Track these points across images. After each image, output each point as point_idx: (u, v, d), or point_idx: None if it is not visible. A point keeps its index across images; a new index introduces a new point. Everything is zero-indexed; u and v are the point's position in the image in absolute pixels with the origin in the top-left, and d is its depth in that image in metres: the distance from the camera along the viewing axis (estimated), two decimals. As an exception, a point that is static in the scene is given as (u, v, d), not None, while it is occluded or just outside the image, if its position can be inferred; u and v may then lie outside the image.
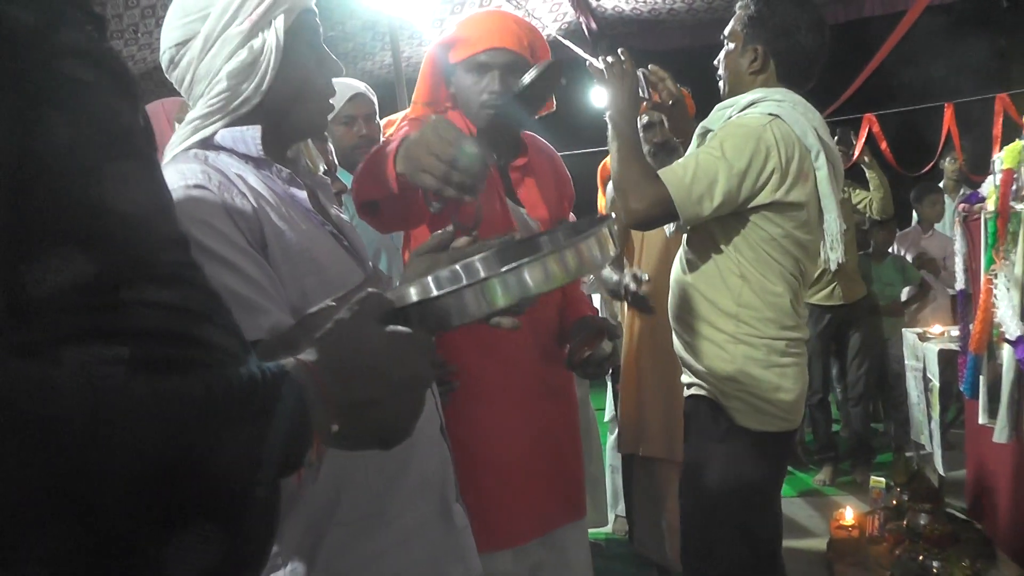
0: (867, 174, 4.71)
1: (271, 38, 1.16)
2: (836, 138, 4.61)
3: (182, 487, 0.60)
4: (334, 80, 1.29)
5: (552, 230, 1.19)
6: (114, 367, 0.63)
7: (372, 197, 1.44)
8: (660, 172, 1.87)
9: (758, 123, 1.85)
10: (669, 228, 2.07)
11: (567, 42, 3.67)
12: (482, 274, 0.96)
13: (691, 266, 2.01)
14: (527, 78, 1.49)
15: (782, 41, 1.93)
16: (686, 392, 2.06)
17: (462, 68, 1.82)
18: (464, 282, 0.79)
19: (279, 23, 1.16)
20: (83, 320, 0.63)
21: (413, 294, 0.99)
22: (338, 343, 0.74)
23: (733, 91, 2.01)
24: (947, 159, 5.81)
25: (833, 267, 1.96)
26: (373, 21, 4.07)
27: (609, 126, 1.97)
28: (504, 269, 0.77)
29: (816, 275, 4.65)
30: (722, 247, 1.93)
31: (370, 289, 0.80)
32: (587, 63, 1.99)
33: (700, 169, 1.83)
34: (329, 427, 0.69)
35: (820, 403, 4.73)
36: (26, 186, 0.60)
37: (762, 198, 1.84)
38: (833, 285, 4.59)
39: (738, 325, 1.92)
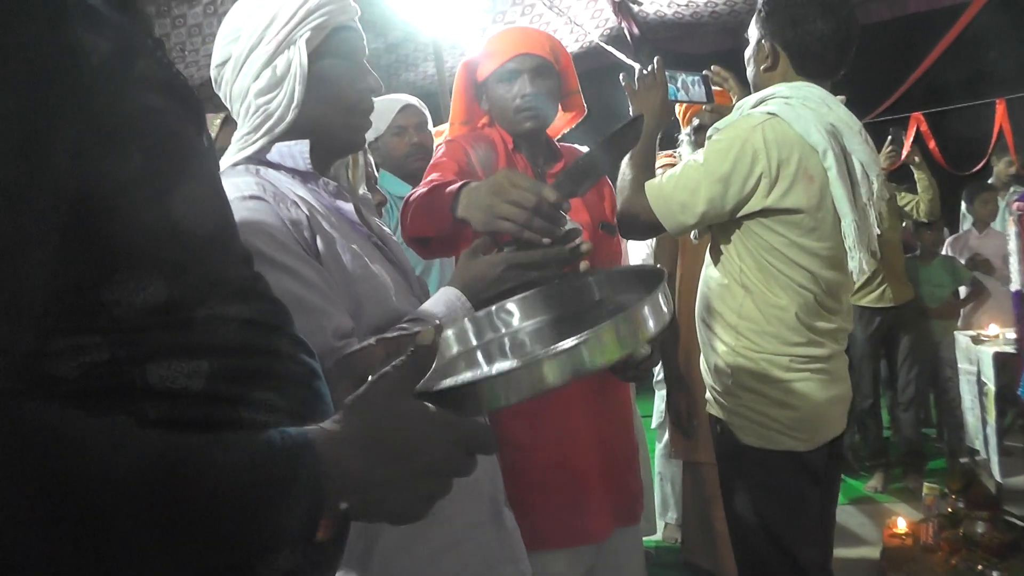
0: (915, 175, 4.63)
1: (295, 57, 1.19)
2: (889, 137, 4.54)
3: (183, 551, 0.59)
4: (384, 97, 1.32)
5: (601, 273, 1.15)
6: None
7: (425, 234, 1.46)
8: (647, 182, 1.83)
9: (748, 125, 1.75)
10: (694, 234, 2.03)
11: (610, 48, 3.67)
12: (509, 356, 0.93)
13: (708, 275, 1.94)
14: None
15: (789, 32, 1.82)
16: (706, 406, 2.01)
17: (492, 80, 1.88)
18: (506, 366, 0.74)
19: (303, 43, 1.19)
20: (163, 337, 0.66)
21: (459, 370, 0.95)
22: (366, 416, 0.69)
23: (757, 90, 1.91)
24: (1002, 159, 5.68)
25: (856, 277, 1.78)
26: (415, 33, 4.11)
27: None
28: (553, 351, 0.71)
29: (867, 277, 4.58)
30: (728, 256, 1.85)
31: (413, 352, 0.74)
32: (621, 77, 1.98)
33: (682, 178, 1.77)
34: (339, 504, 0.66)
35: (871, 408, 4.66)
36: (104, 211, 0.62)
37: (752, 205, 1.74)
38: (883, 287, 4.52)
39: (737, 338, 1.84)
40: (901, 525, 3.22)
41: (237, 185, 1.15)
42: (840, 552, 3.52)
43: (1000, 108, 5.98)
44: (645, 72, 1.96)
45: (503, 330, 1.04)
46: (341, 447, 0.66)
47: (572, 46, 4.79)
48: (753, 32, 1.90)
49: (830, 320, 1.83)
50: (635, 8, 4.19)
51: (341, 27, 1.23)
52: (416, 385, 0.72)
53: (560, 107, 2.01)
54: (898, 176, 4.83)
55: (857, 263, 1.75)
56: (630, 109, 1.93)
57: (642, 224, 1.81)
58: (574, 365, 0.71)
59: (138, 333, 0.65)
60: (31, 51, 0.56)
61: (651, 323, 0.77)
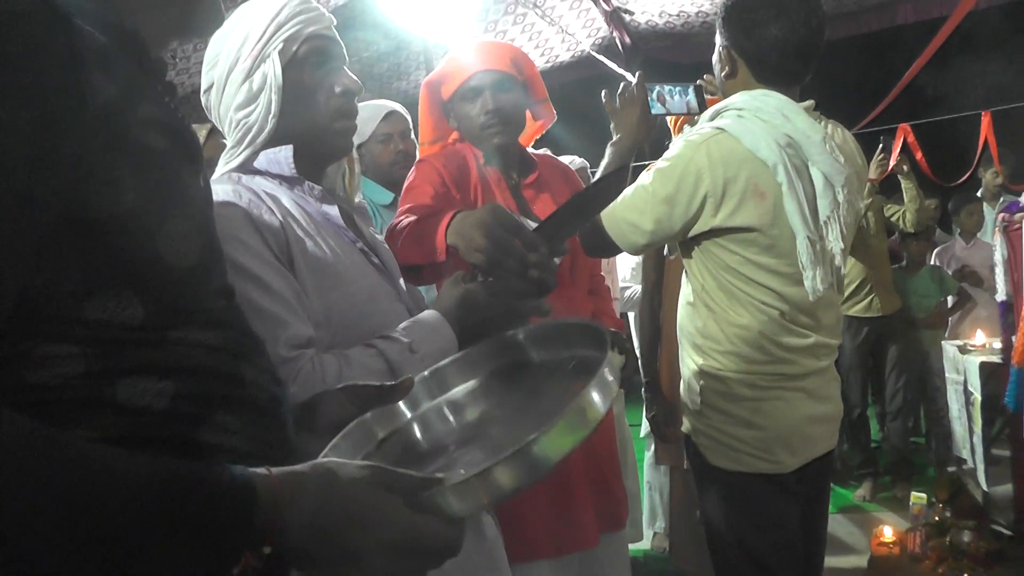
0: (903, 184, 4.67)
1: (269, 70, 1.23)
2: (880, 146, 4.58)
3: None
4: (368, 103, 1.34)
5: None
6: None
7: (416, 263, 1.48)
8: None
9: (694, 142, 1.68)
10: (667, 249, 2.01)
11: (601, 57, 3.69)
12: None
13: (682, 292, 1.89)
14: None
15: (744, 39, 1.73)
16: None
17: (456, 99, 1.92)
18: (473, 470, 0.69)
19: (276, 55, 1.23)
20: (135, 355, 0.70)
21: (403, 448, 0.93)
22: (325, 482, 0.69)
23: (725, 98, 1.82)
24: (988, 170, 5.73)
25: (812, 296, 1.66)
26: (407, 41, 4.12)
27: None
28: (504, 456, 0.68)
29: (855, 286, 4.62)
30: (692, 275, 1.79)
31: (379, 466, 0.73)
32: (602, 95, 1.98)
33: (632, 198, 1.72)
34: (261, 547, 0.67)
35: (859, 417, 4.68)
36: (97, 235, 0.67)
37: (701, 225, 1.67)
38: (871, 297, 4.55)
39: (704, 357, 1.77)
40: (888, 534, 3.24)
41: (215, 193, 1.16)
42: (828, 560, 3.52)
43: (985, 120, 6.03)
44: (624, 88, 1.95)
45: (439, 396, 1.01)
46: (277, 499, 0.66)
47: (564, 55, 4.81)
48: (717, 39, 1.83)
49: (804, 337, 1.73)
50: (627, 18, 4.21)
51: (315, 35, 1.26)
52: (402, 490, 0.70)
53: (530, 115, 2.04)
54: (885, 187, 4.87)
55: (811, 282, 1.65)
56: (611, 126, 1.93)
57: (600, 243, 1.77)
58: (530, 466, 0.68)
59: (113, 349, 0.69)
60: (42, 85, 0.62)
61: (599, 404, 0.73)
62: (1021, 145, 5.39)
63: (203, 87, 1.30)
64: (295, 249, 1.18)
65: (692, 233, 1.69)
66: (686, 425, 1.84)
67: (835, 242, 1.66)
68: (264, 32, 1.23)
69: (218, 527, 0.64)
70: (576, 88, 4.95)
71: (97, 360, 0.68)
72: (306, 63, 1.26)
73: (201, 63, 1.31)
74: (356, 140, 2.49)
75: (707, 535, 1.86)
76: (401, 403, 0.98)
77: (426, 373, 1.02)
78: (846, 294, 4.63)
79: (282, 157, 1.26)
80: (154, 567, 0.62)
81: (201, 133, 2.04)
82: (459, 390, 1.03)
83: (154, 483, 0.62)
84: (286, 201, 1.24)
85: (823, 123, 1.75)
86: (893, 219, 4.77)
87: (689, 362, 1.81)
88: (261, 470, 0.68)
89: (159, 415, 0.70)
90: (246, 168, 1.28)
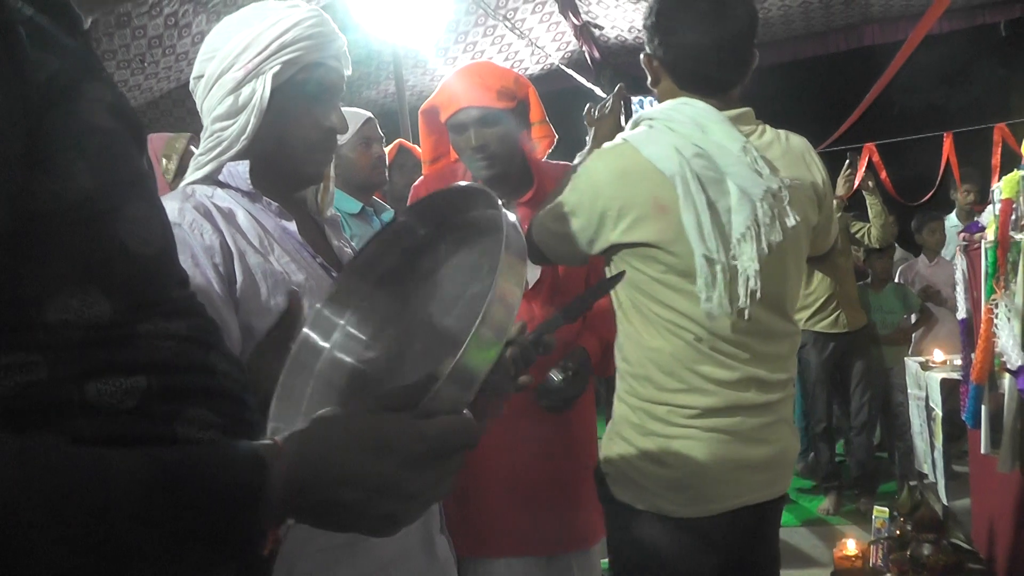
0: (867, 200, 4.74)
1: (259, 90, 1.19)
2: (847, 162, 4.64)
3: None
4: (344, 110, 1.31)
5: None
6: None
7: None
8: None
9: (599, 154, 1.61)
10: None
11: (570, 71, 3.71)
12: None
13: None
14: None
15: (660, 45, 1.61)
16: None
17: (448, 127, 1.94)
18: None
19: (270, 76, 1.18)
20: (103, 354, 0.66)
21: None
22: (322, 435, 0.68)
23: None
24: (961, 189, 5.82)
25: (714, 323, 1.51)
26: (378, 50, 4.12)
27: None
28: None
29: (821, 302, 4.67)
30: (614, 293, 1.64)
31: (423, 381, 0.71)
32: (586, 108, 1.95)
33: (551, 209, 1.63)
34: (285, 521, 0.66)
35: (823, 431, 4.74)
36: (50, 226, 0.62)
37: (603, 241, 1.56)
38: (837, 313, 4.61)
39: (621, 380, 1.64)
40: (851, 547, 3.25)
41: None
42: (792, 573, 3.57)
43: (947, 141, 6.15)
44: (604, 100, 1.94)
45: (342, 320, 1.00)
46: (290, 463, 0.65)
47: (533, 68, 4.83)
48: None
49: (728, 368, 1.54)
50: (596, 32, 4.25)
51: (317, 64, 1.22)
52: (398, 405, 0.69)
53: (532, 135, 2.04)
54: (850, 204, 4.93)
55: (709, 304, 1.49)
56: (588, 137, 1.91)
57: (536, 253, 1.67)
58: (498, 326, 0.68)
59: (79, 350, 0.64)
60: None
61: (518, 241, 0.74)
62: (982, 166, 5.49)
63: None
64: (241, 267, 1.15)
65: (596, 249, 1.59)
66: (600, 451, 1.68)
67: (749, 263, 1.49)
68: (267, 48, 1.18)
69: (238, 512, 0.61)
70: (545, 101, 4.96)
71: (62, 364, 0.63)
72: (298, 91, 1.22)
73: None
74: None
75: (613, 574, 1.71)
76: (312, 336, 0.97)
77: (318, 304, 1.00)
78: (813, 310, 4.68)
79: (239, 171, 1.23)
80: (182, 567, 0.60)
81: (180, 141, 2.00)
82: (362, 303, 1.00)
83: (164, 484, 0.59)
84: (241, 216, 1.21)
85: (761, 130, 1.63)
86: (858, 235, 4.83)
87: (617, 387, 1.68)
88: (267, 441, 0.66)
89: (131, 413, 0.66)
90: (210, 179, 1.25)
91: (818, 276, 4.65)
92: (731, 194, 1.51)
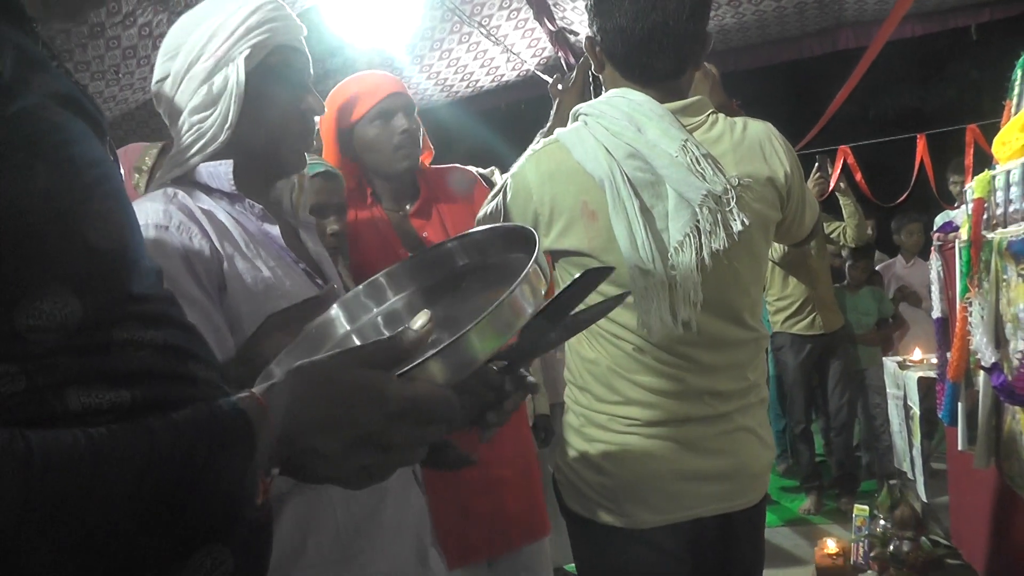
0: (841, 201, 4.79)
1: (232, 75, 1.17)
2: (816, 164, 4.68)
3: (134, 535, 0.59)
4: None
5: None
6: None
7: None
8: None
9: (530, 155, 1.52)
10: None
11: (546, 77, 3.72)
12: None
13: None
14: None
15: (600, 30, 1.48)
16: None
17: (365, 121, 1.91)
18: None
19: (242, 60, 1.17)
20: (82, 362, 0.65)
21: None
22: (303, 382, 0.68)
23: None
24: (950, 180, 5.84)
25: (652, 337, 1.41)
26: (353, 59, 4.11)
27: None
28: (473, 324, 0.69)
29: (797, 305, 4.71)
30: None
31: (398, 333, 0.72)
32: (552, 80, 1.94)
33: (492, 208, 1.56)
34: (271, 470, 0.66)
35: (803, 432, 4.77)
36: (11, 230, 0.60)
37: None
38: (814, 315, 4.65)
39: (568, 389, 1.58)
40: (832, 545, 3.28)
41: (145, 211, 1.12)
42: (775, 572, 3.58)
43: (921, 143, 6.22)
44: (570, 73, 1.90)
45: (375, 308, 1.02)
46: (271, 413, 0.66)
47: (509, 74, 4.84)
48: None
49: (672, 380, 1.44)
50: (572, 38, 4.26)
51: (284, 46, 1.21)
52: (380, 362, 0.70)
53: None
54: (825, 206, 4.96)
55: (645, 316, 1.39)
56: (552, 109, 1.84)
57: None
58: (502, 326, 0.72)
59: (56, 358, 0.63)
60: None
61: (541, 281, 0.78)
62: (953, 163, 5.55)
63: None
64: (229, 273, 1.13)
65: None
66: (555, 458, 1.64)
67: (689, 273, 1.37)
68: (233, 33, 1.16)
69: (229, 464, 0.62)
70: (521, 107, 4.99)
71: (40, 374, 0.62)
72: (272, 75, 1.20)
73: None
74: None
75: None
76: (340, 317, 0.98)
77: (360, 287, 1.02)
78: (789, 312, 4.72)
79: (222, 172, 1.20)
80: (178, 523, 0.61)
81: (152, 152, 1.98)
82: (395, 301, 1.03)
83: (163, 455, 0.60)
84: (224, 219, 1.18)
85: (711, 122, 1.49)
86: (833, 235, 4.87)
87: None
88: (244, 393, 0.67)
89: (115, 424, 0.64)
90: (187, 179, 1.22)
91: (792, 280, 4.69)
92: (669, 198, 1.40)
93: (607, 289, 1.33)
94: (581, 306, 1.01)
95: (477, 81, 4.88)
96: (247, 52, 1.17)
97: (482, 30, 4.04)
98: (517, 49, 4.45)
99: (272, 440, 0.65)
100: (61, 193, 0.64)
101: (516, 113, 5.01)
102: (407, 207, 1.98)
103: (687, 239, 1.38)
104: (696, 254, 1.38)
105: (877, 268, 5.44)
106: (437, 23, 4.10)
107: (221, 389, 0.78)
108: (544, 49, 4.46)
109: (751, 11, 4.55)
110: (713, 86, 1.71)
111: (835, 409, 4.81)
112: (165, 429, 0.61)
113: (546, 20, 3.75)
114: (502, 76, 4.86)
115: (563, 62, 4.24)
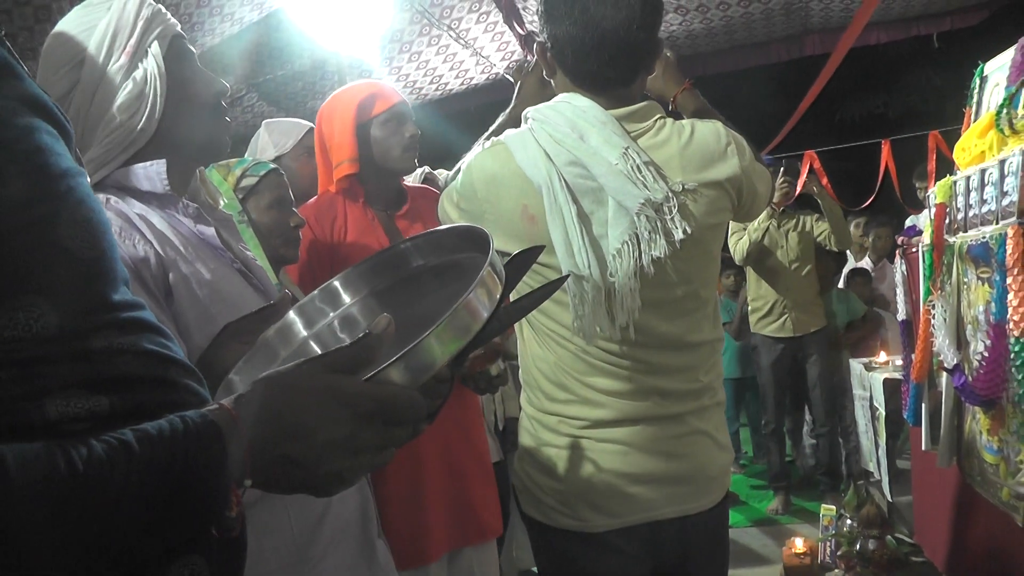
0: (822, 205, 4.76)
1: (151, 66, 1.16)
2: (782, 169, 4.71)
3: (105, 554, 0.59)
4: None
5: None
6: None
7: None
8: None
9: (479, 154, 1.51)
10: None
11: (515, 80, 3.72)
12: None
13: None
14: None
15: (550, 37, 1.46)
16: None
17: (381, 119, 2.04)
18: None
19: (155, 50, 1.17)
20: (60, 371, 0.64)
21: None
22: (270, 392, 0.68)
23: None
24: (919, 187, 5.91)
25: (588, 342, 1.41)
26: (322, 60, 4.09)
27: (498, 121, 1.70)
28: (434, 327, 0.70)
29: (768, 307, 4.75)
30: None
31: (362, 338, 0.72)
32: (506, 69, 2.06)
33: (448, 194, 1.55)
34: (243, 482, 0.66)
35: (773, 432, 4.81)
36: None
37: None
38: (784, 317, 4.68)
39: (524, 390, 1.57)
40: (799, 544, 3.32)
41: None
42: (743, 571, 3.62)
43: (885, 148, 6.32)
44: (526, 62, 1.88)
45: (331, 313, 1.02)
46: (241, 424, 0.66)
47: (479, 77, 4.85)
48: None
49: (621, 380, 1.44)
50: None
51: (178, 35, 1.22)
52: (345, 368, 0.70)
53: None
54: (807, 206, 4.98)
55: (580, 322, 1.38)
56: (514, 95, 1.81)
57: None
58: (460, 329, 0.73)
59: (33, 367, 0.62)
60: None
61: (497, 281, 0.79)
62: (918, 170, 5.65)
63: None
64: (175, 280, 1.11)
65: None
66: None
67: (627, 280, 1.37)
68: (135, 27, 1.16)
69: (203, 477, 0.62)
70: (491, 110, 4.96)
71: (16, 384, 0.61)
72: (181, 60, 1.20)
73: None
74: (275, 152, 2.48)
75: None
76: (297, 323, 0.98)
77: (316, 292, 1.01)
78: (761, 314, 4.76)
79: (154, 172, 1.17)
80: (156, 537, 0.61)
81: None
82: (351, 305, 1.02)
83: (139, 475, 0.60)
84: (159, 223, 1.16)
85: (657, 127, 1.48)
86: (819, 238, 4.81)
87: None
88: (214, 406, 0.67)
89: (94, 433, 0.63)
90: (115, 183, 1.18)
91: (769, 280, 4.72)
92: (609, 206, 1.39)
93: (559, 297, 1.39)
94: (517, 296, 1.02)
95: (446, 84, 4.88)
96: (155, 43, 1.17)
97: (451, 33, 4.04)
98: (486, 52, 4.46)
99: (243, 451, 0.65)
100: (36, 199, 0.63)
101: (485, 115, 5.00)
102: (393, 211, 2.10)
103: (624, 247, 1.38)
104: (635, 262, 1.37)
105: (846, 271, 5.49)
106: (406, 25, 4.10)
107: (200, 394, 0.78)
108: (513, 52, 4.47)
109: (719, 17, 4.59)
110: (666, 68, 1.69)
111: (818, 412, 4.85)
112: (141, 442, 0.61)
113: (515, 23, 3.76)
114: (471, 79, 4.87)
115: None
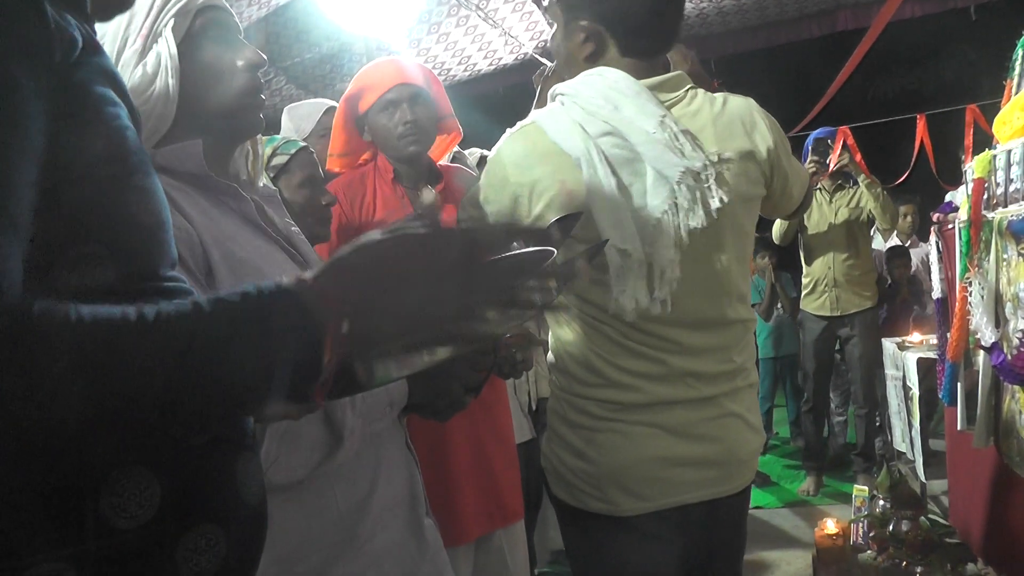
0: (861, 182, 4.58)
1: (164, 50, 1.12)
2: (810, 148, 4.65)
3: (197, 400, 0.61)
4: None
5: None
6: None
7: None
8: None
9: (507, 137, 1.48)
10: None
11: (544, 60, 3.71)
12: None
13: None
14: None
15: (606, 5, 1.43)
16: None
17: (373, 112, 2.03)
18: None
19: (169, 32, 1.13)
20: None
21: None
22: (351, 254, 0.70)
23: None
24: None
25: (628, 316, 1.37)
26: (349, 43, 4.09)
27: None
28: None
29: (812, 284, 4.69)
30: None
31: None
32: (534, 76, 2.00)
33: (472, 193, 1.54)
34: (339, 328, 0.65)
35: (810, 411, 4.77)
36: (70, 179, 0.64)
37: None
38: (826, 295, 4.62)
39: (552, 372, 1.55)
40: (831, 526, 3.29)
41: None
42: (776, 553, 3.61)
43: (921, 123, 6.20)
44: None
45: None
46: (318, 281, 0.67)
47: (507, 58, 4.82)
48: (557, 9, 1.51)
49: (653, 362, 1.42)
50: (570, 21, 4.25)
51: (206, 7, 1.16)
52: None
53: (438, 130, 2.15)
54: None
55: (622, 297, 1.36)
56: (534, 102, 1.85)
57: None
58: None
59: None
60: (11, 30, 0.59)
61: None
62: (955, 147, 5.54)
63: None
64: (215, 258, 1.09)
65: None
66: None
67: (666, 251, 1.35)
68: (151, 8, 1.12)
69: (278, 338, 0.63)
70: (519, 91, 4.97)
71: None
72: (202, 38, 1.15)
73: None
74: (296, 135, 2.49)
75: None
76: None
77: None
78: (807, 291, 4.70)
79: (191, 153, 1.15)
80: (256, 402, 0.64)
81: None
82: None
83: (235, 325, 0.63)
84: (198, 203, 1.14)
85: (689, 97, 1.47)
86: (861, 217, 4.67)
87: None
88: (290, 280, 0.68)
89: None
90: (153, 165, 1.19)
91: (816, 258, 4.65)
92: (648, 176, 1.36)
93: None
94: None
95: (475, 65, 4.87)
96: (171, 23, 1.13)
97: (480, 13, 4.02)
98: (515, 33, 4.44)
99: (326, 315, 0.65)
100: (114, 160, 0.67)
101: (514, 97, 4.99)
102: (427, 188, 2.09)
103: (665, 216, 1.36)
104: (675, 232, 1.36)
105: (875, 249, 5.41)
106: (434, 6, 4.08)
107: None
108: (542, 32, 4.44)
109: (750, -8, 4.53)
110: (691, 68, 1.69)
111: (855, 390, 4.80)
112: (212, 303, 0.64)
113: (544, 4, 3.74)
114: (500, 60, 4.84)
115: (561, 45, 4.22)
